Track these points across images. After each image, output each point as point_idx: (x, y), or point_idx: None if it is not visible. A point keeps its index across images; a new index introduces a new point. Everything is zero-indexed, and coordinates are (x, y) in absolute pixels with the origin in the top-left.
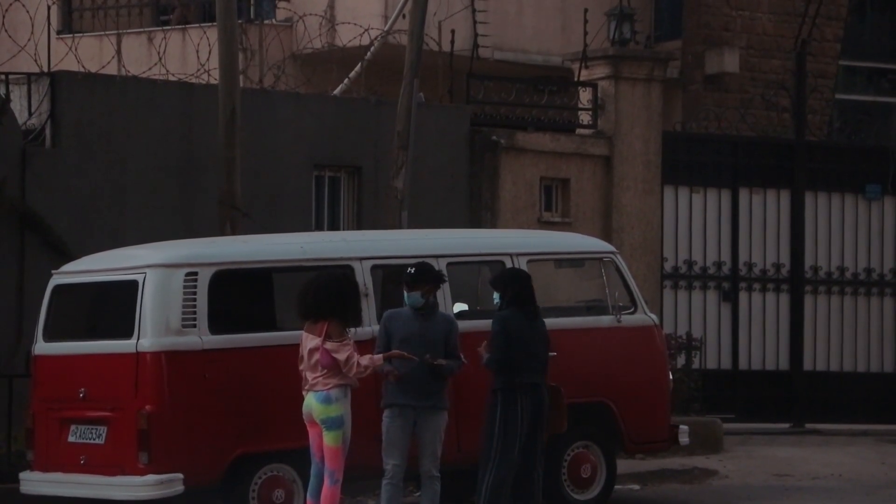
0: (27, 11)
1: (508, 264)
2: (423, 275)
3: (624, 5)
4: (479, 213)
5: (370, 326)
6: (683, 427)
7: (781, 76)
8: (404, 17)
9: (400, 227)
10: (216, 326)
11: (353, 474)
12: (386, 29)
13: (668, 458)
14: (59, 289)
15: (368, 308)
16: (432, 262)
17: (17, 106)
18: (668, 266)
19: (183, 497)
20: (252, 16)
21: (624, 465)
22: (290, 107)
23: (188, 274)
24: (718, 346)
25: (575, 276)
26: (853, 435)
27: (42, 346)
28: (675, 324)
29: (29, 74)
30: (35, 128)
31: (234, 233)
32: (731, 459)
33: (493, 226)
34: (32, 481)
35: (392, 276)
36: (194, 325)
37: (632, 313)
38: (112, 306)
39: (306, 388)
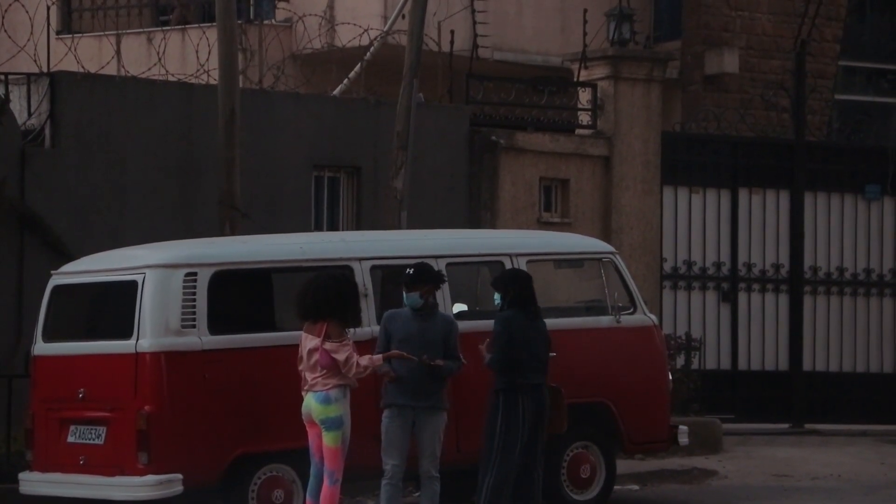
0: (27, 12)
1: (508, 265)
2: (422, 275)
3: (623, 6)
4: (479, 214)
5: (369, 327)
6: (683, 427)
7: (781, 76)
8: (404, 17)
9: (399, 227)
10: (216, 327)
11: (352, 474)
12: (385, 29)
13: (667, 459)
14: (58, 289)
15: (368, 308)
16: (431, 262)
17: (17, 106)
18: (667, 266)
19: (182, 497)
20: (252, 16)
21: (623, 466)
22: (289, 107)
23: (188, 274)
24: (718, 347)
25: (574, 277)
26: (852, 435)
27: (41, 347)
28: (674, 324)
29: (28, 75)
30: (34, 128)
31: (233, 233)
32: (731, 460)
33: (493, 226)
34: (32, 482)
35: (391, 277)
36: (194, 326)
37: (631, 314)
38: (111, 307)
39: (305, 388)
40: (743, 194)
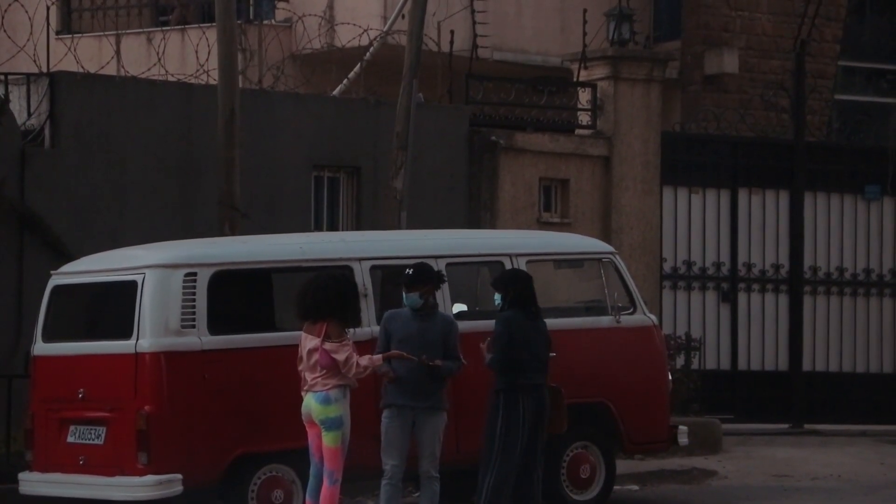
0: (26, 12)
1: (507, 265)
2: (422, 275)
3: (623, 6)
4: (479, 214)
5: (369, 327)
6: (682, 427)
7: (781, 77)
8: (403, 17)
9: (399, 227)
10: (215, 327)
11: (352, 474)
12: (385, 29)
13: (667, 459)
14: (58, 289)
15: (367, 308)
16: (431, 262)
17: (17, 106)
18: (667, 266)
19: (182, 497)
20: (251, 16)
21: (623, 466)
22: (289, 107)
23: (187, 274)
24: (717, 347)
25: (574, 277)
26: (852, 435)
27: (41, 347)
28: (674, 324)
29: (28, 75)
30: (34, 128)
31: (233, 233)
32: (730, 460)
33: (492, 226)
34: (31, 482)
35: (391, 277)
36: (193, 326)
37: (631, 314)
38: (111, 307)
39: (305, 388)
40: (743, 194)
